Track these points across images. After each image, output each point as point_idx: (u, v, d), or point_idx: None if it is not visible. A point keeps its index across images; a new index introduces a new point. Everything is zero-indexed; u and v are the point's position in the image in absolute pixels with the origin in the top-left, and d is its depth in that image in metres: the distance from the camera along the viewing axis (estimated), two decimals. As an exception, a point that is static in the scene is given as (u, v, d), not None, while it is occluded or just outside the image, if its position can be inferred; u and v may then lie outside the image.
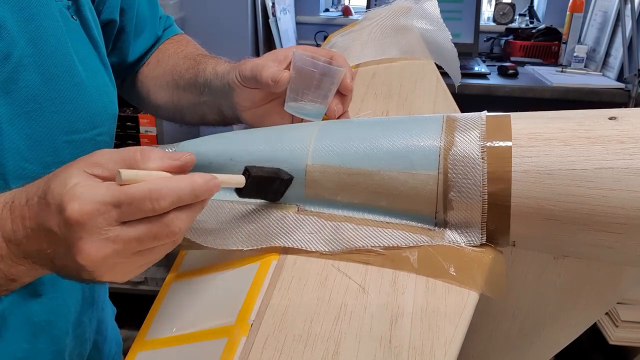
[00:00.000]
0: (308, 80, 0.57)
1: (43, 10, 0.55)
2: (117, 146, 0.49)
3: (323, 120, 0.59)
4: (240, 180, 0.48)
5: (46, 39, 0.55)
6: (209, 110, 0.68)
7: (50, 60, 0.55)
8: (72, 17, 0.59)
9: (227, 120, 0.67)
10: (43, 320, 0.59)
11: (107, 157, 0.41)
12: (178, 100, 0.71)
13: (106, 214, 0.38)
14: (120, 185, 0.39)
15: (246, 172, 0.48)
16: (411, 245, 0.47)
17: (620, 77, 1.90)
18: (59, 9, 0.57)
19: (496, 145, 0.47)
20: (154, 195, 0.39)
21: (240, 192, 0.49)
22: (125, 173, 0.39)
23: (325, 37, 2.19)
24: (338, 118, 0.60)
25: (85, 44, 0.61)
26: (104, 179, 0.40)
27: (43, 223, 0.40)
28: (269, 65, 0.58)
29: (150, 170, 0.41)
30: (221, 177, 0.45)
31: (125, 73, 0.77)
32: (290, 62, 0.58)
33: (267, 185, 0.50)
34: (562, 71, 2.05)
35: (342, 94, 0.60)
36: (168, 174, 0.41)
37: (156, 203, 0.39)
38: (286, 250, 0.49)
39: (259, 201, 0.53)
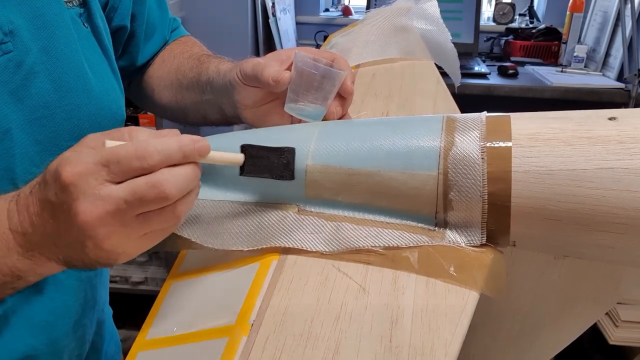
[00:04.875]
0: (308, 82, 0.57)
1: (56, 18, 0.55)
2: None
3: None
4: (238, 157, 0.48)
5: (58, 46, 0.55)
6: (211, 110, 0.68)
7: (62, 68, 0.56)
8: (84, 24, 0.60)
9: (228, 120, 0.68)
10: (43, 320, 0.59)
11: (97, 138, 0.43)
12: (181, 99, 0.72)
13: (96, 174, 0.40)
14: None
15: (242, 148, 0.49)
16: (411, 245, 0.48)
17: (620, 77, 1.91)
18: (71, 17, 0.58)
19: (496, 145, 0.47)
20: (140, 153, 0.40)
21: (242, 169, 0.49)
22: (110, 143, 0.41)
23: (325, 37, 2.19)
24: None
25: (96, 51, 0.61)
26: None
27: (43, 199, 0.42)
28: (271, 65, 0.58)
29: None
30: (216, 153, 0.45)
31: (133, 75, 0.77)
32: (292, 63, 0.58)
33: (269, 160, 0.50)
34: (562, 71, 2.05)
35: (342, 97, 0.60)
36: None
37: (144, 161, 0.40)
38: (286, 251, 0.50)
39: (258, 201, 0.53)
